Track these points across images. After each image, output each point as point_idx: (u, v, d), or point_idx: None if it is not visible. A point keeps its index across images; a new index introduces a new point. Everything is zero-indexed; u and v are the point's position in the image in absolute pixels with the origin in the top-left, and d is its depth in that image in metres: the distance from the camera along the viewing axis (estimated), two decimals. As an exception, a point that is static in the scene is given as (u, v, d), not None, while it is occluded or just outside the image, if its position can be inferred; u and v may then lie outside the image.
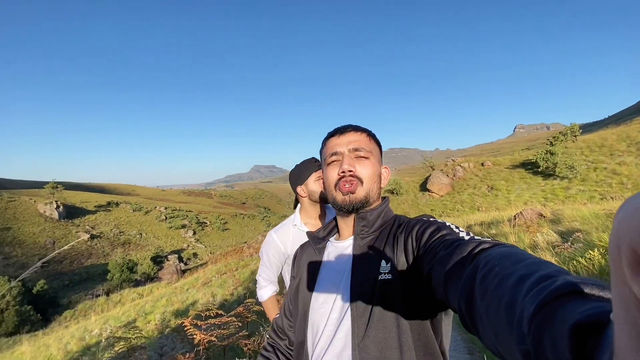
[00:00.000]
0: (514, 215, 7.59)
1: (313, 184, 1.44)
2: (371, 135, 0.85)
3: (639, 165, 17.07)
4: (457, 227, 0.64)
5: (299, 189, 1.48)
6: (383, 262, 0.71)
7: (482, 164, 26.22)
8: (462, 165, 26.71)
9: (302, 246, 0.97)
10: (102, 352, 5.90)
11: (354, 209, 0.78)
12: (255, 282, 1.76)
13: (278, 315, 0.96)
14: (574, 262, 3.80)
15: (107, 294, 22.20)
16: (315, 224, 1.50)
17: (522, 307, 0.30)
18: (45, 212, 43.06)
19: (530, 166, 22.77)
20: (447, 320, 0.69)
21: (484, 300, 0.38)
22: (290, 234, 1.48)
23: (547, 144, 23.68)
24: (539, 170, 21.30)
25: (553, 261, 4.08)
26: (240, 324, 2.78)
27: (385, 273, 0.69)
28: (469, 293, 0.43)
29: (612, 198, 12.35)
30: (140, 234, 47.47)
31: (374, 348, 0.64)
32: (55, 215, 43.11)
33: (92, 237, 40.62)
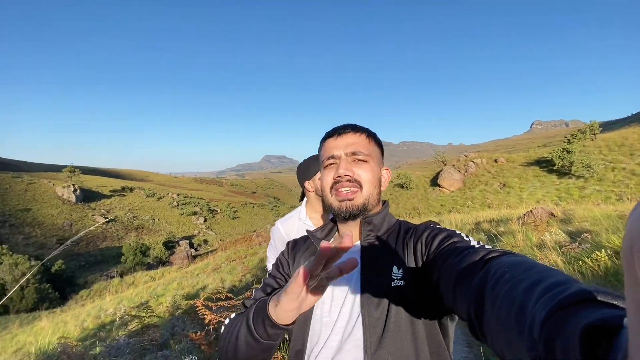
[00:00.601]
0: (524, 214, 7.52)
1: (319, 180, 1.52)
2: (371, 135, 0.80)
3: (660, 166, 16.53)
4: (467, 236, 0.64)
5: (307, 184, 1.51)
6: (395, 268, 0.68)
7: (495, 160, 25.75)
8: (474, 161, 26.31)
9: (296, 241, 0.90)
10: (117, 330, 6.19)
11: (352, 216, 0.74)
12: (263, 269, 1.84)
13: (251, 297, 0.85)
14: (580, 262, 3.79)
15: (121, 275, 22.97)
16: (319, 219, 1.56)
17: (534, 313, 0.30)
18: (63, 195, 44.51)
19: (545, 164, 22.27)
20: (452, 325, 0.69)
21: (494, 306, 0.38)
22: (295, 226, 1.54)
23: (564, 142, 23.05)
24: (554, 168, 20.82)
25: (558, 261, 4.09)
26: (247, 308, 2.91)
27: (398, 279, 0.67)
28: (479, 299, 0.43)
29: (629, 199, 12.04)
30: (153, 219, 48.63)
31: (391, 358, 0.62)
32: (73, 198, 44.53)
33: (108, 220, 41.81)
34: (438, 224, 0.75)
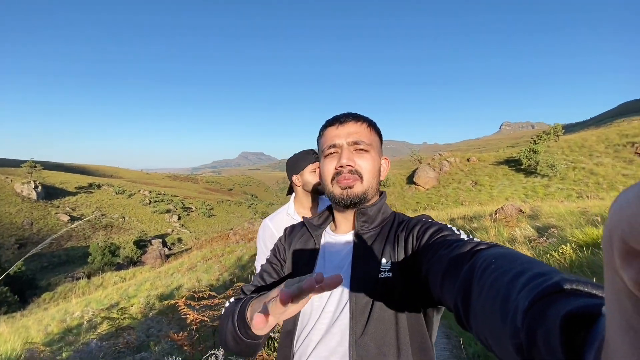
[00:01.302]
0: (495, 210, 7.86)
1: (308, 175, 1.49)
2: (372, 125, 0.81)
3: (615, 166, 17.78)
4: (457, 230, 0.66)
5: (295, 178, 1.52)
6: (384, 260, 0.70)
7: (468, 160, 26.74)
8: (448, 159, 27.18)
9: (292, 227, 0.92)
10: (86, 334, 5.88)
11: (352, 204, 0.76)
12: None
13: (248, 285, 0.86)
14: (548, 255, 4.02)
15: (89, 277, 21.87)
16: (308, 214, 1.55)
17: (517, 302, 0.31)
18: (22, 191, 41.59)
19: (513, 163, 23.38)
20: (437, 317, 0.71)
21: (480, 297, 0.39)
22: (283, 222, 1.52)
23: (530, 143, 24.30)
24: (522, 167, 21.91)
25: (528, 254, 4.32)
26: (230, 306, 2.84)
27: (385, 271, 0.68)
28: (465, 290, 0.44)
29: (587, 197, 12.88)
30: (123, 218, 46.60)
31: (373, 345, 0.65)
32: (34, 195, 41.72)
33: (72, 219, 39.64)
34: (431, 218, 0.76)
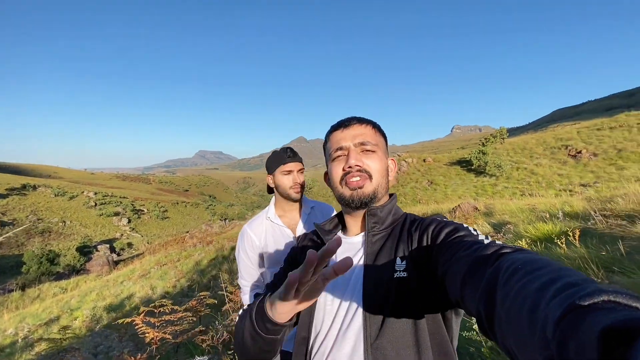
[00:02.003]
0: (453, 208, 8.25)
1: (280, 177, 1.37)
2: (376, 127, 0.83)
3: (552, 167, 19.66)
4: (474, 230, 0.63)
5: (268, 178, 1.43)
6: (398, 260, 0.69)
7: (424, 160, 28.03)
8: (406, 160, 28.29)
9: (305, 234, 0.94)
10: (21, 353, 5.18)
11: (362, 204, 0.76)
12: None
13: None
14: (506, 251, 4.25)
15: (23, 288, 19.46)
16: (290, 217, 1.43)
17: (547, 311, 0.29)
18: (-63, 194, 36.18)
19: (465, 164, 24.91)
20: (457, 321, 0.68)
21: (505, 303, 0.37)
22: (264, 226, 1.40)
23: (479, 145, 26.09)
24: (472, 168, 23.42)
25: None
26: (194, 319, 2.59)
27: (400, 271, 0.67)
28: (489, 296, 0.41)
29: (529, 194, 14.07)
30: (64, 222, 42.44)
31: (390, 347, 0.62)
32: (-48, 198, 36.47)
33: (3, 224, 35.30)
34: (445, 217, 0.74)
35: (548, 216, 5.15)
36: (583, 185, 15.44)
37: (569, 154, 20.28)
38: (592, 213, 4.47)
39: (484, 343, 2.08)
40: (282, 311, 0.59)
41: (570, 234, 3.52)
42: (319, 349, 0.70)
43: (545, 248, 3.78)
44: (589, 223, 4.25)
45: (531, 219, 5.42)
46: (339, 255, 0.79)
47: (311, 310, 0.74)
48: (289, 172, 1.36)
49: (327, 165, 0.83)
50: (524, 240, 4.16)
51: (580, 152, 19.68)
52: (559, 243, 3.45)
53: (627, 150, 17.68)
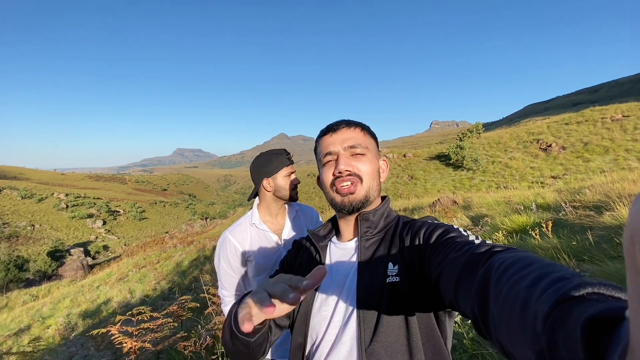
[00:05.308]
0: (433, 202, 8.43)
1: (281, 179, 1.31)
2: (366, 129, 0.82)
3: (525, 160, 20.46)
4: (465, 230, 0.64)
5: (265, 182, 1.32)
6: (390, 265, 0.69)
7: (404, 155, 28.51)
8: (387, 155, 28.67)
9: (299, 241, 0.93)
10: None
11: (355, 209, 0.76)
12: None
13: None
14: (484, 243, 4.38)
15: (-12, 298, 18.41)
16: (277, 223, 1.38)
17: (537, 307, 0.30)
18: None
19: (443, 158, 25.52)
20: (450, 321, 0.69)
21: (498, 302, 0.38)
22: (248, 233, 1.33)
23: (457, 140, 26.78)
24: (451, 162, 24.03)
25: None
26: (175, 325, 2.50)
27: (393, 275, 0.67)
28: (482, 295, 0.42)
29: (504, 187, 14.59)
30: (32, 226, 40.35)
31: (384, 352, 0.62)
32: None
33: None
34: (436, 220, 0.74)
35: (522, 208, 5.35)
36: (553, 177, 16.19)
37: (540, 148, 21.16)
38: (563, 205, 4.68)
39: (465, 335, 2.13)
40: (245, 320, 0.56)
41: (544, 225, 3.67)
42: (315, 354, 0.70)
43: (521, 239, 3.92)
44: (560, 214, 4.44)
45: (507, 211, 5.61)
46: (334, 261, 0.79)
47: (306, 317, 0.74)
48: (291, 173, 1.34)
49: (319, 170, 0.83)
50: (500, 232, 4.30)
51: (550, 145, 20.58)
52: (533, 234, 3.58)
53: (593, 143, 18.66)
